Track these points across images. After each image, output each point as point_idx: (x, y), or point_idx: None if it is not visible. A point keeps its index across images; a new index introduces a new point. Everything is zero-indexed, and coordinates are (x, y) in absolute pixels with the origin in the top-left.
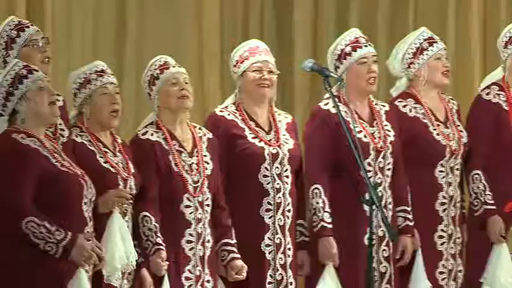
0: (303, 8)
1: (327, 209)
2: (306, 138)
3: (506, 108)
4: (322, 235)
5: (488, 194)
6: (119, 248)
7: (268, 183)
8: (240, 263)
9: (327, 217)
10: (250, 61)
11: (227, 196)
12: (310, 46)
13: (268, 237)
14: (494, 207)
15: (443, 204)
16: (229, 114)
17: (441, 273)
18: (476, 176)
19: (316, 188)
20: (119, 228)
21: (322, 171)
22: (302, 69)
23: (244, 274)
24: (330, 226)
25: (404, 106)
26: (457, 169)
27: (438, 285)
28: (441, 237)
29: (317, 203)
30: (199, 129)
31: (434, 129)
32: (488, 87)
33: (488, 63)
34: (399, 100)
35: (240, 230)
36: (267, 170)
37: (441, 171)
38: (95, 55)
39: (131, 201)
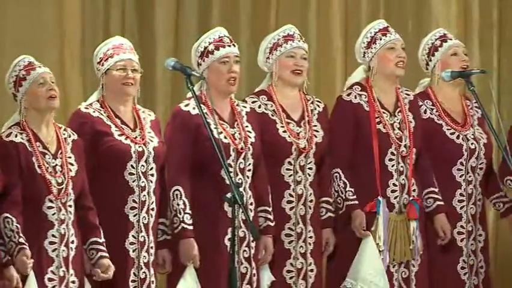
0: (165, 8)
1: (187, 210)
2: (166, 140)
3: (367, 108)
4: (183, 236)
5: (349, 191)
6: None
7: (133, 181)
8: (107, 261)
9: (187, 219)
10: (115, 59)
11: (92, 193)
12: (172, 45)
13: (132, 235)
14: (356, 202)
15: (290, 202)
16: (94, 112)
17: (288, 271)
18: (336, 174)
19: (177, 190)
20: None
21: (183, 172)
22: (165, 68)
23: (111, 273)
24: (190, 228)
25: (254, 102)
26: (309, 168)
27: (285, 284)
28: (288, 235)
29: (178, 204)
30: (64, 130)
31: (282, 127)
32: (350, 87)
33: (349, 62)
34: (251, 96)
35: (105, 227)
36: (133, 167)
37: (288, 169)
38: None
39: None
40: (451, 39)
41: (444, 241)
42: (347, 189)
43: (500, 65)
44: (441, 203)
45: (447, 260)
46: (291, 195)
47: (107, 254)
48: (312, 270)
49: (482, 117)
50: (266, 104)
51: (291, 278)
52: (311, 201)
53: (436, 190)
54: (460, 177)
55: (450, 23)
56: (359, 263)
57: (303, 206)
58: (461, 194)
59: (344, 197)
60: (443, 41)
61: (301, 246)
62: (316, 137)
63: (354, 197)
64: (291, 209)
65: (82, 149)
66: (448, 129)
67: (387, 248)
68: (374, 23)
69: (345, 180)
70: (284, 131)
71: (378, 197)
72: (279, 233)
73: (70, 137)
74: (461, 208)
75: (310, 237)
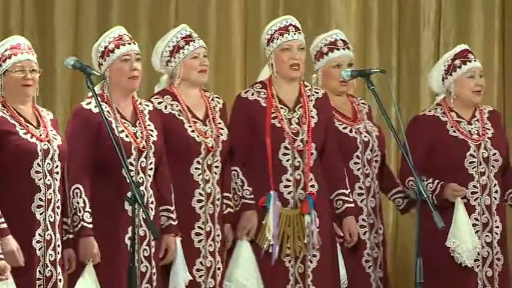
0: (64, 7)
1: (87, 208)
2: (67, 138)
3: (264, 105)
4: (82, 235)
5: (246, 189)
6: None
7: (40, 179)
8: (3, 263)
9: (87, 217)
10: (13, 60)
11: None
12: (71, 45)
13: (39, 234)
14: (251, 202)
15: (200, 201)
16: None
17: (198, 270)
18: (234, 172)
19: (77, 188)
20: None
21: (83, 171)
22: (64, 67)
23: (7, 275)
24: (90, 226)
25: (160, 103)
26: (216, 167)
27: (195, 283)
28: (198, 234)
29: (78, 202)
30: None
31: (190, 126)
32: (252, 85)
33: (249, 61)
34: (155, 97)
35: (12, 226)
36: (39, 166)
37: (197, 168)
38: None
39: None
40: (338, 49)
41: (351, 244)
42: (244, 188)
43: (400, 64)
44: (351, 205)
45: (351, 254)
46: (201, 194)
47: (2, 256)
48: (219, 269)
49: (370, 112)
50: (172, 104)
51: (200, 276)
52: (218, 199)
53: (346, 192)
54: (358, 170)
55: (349, 22)
56: (234, 265)
57: (212, 205)
58: (360, 188)
59: (240, 195)
60: (330, 50)
61: (210, 245)
62: (222, 135)
63: (251, 196)
64: (200, 208)
65: None
66: (339, 124)
67: (278, 243)
68: (278, 19)
69: (243, 178)
70: (193, 131)
71: (270, 191)
72: (189, 232)
73: None
74: (361, 201)
75: (218, 235)
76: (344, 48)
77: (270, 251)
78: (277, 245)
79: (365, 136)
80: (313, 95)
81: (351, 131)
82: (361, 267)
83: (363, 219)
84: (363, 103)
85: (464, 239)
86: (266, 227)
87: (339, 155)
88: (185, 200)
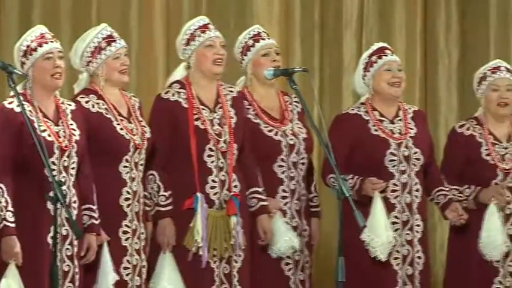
0: None
1: (9, 208)
2: None
3: (185, 106)
4: (4, 234)
5: (162, 195)
6: None
7: None
8: None
9: (9, 216)
10: None
11: None
12: None
13: None
14: (166, 209)
15: (127, 199)
16: None
17: (125, 268)
18: (151, 176)
19: None
20: None
21: (5, 170)
22: None
23: None
24: (12, 225)
25: (87, 102)
26: (141, 164)
27: (123, 281)
28: (125, 232)
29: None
30: None
31: (118, 124)
32: (170, 85)
33: (171, 61)
34: (81, 96)
35: None
36: None
37: (125, 167)
38: None
39: None
40: (263, 39)
41: (264, 242)
42: (160, 193)
43: (322, 64)
44: (265, 203)
45: (269, 257)
46: (128, 193)
47: None
48: (144, 267)
49: (302, 111)
50: (98, 103)
51: (127, 274)
52: (142, 197)
53: (260, 190)
54: (282, 173)
55: (272, 22)
56: (159, 277)
57: (137, 203)
58: (283, 190)
59: (155, 201)
60: (255, 41)
61: (136, 243)
62: (146, 132)
63: (167, 202)
64: (128, 206)
65: None
66: (265, 126)
67: (207, 244)
68: (195, 19)
69: (159, 184)
70: (121, 129)
71: (197, 193)
72: (117, 230)
73: None
74: (285, 204)
75: (142, 233)
76: (268, 38)
77: (200, 253)
78: (206, 247)
79: (291, 139)
80: (229, 94)
81: (276, 133)
82: (279, 270)
83: (286, 222)
84: (295, 101)
85: (379, 233)
86: (194, 229)
87: (252, 154)
88: (113, 198)
